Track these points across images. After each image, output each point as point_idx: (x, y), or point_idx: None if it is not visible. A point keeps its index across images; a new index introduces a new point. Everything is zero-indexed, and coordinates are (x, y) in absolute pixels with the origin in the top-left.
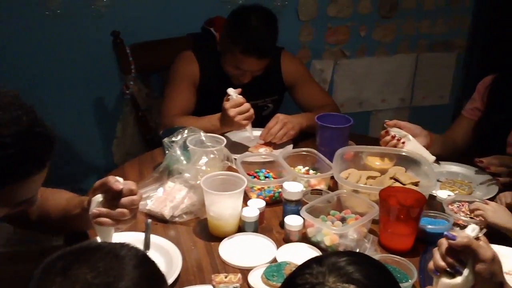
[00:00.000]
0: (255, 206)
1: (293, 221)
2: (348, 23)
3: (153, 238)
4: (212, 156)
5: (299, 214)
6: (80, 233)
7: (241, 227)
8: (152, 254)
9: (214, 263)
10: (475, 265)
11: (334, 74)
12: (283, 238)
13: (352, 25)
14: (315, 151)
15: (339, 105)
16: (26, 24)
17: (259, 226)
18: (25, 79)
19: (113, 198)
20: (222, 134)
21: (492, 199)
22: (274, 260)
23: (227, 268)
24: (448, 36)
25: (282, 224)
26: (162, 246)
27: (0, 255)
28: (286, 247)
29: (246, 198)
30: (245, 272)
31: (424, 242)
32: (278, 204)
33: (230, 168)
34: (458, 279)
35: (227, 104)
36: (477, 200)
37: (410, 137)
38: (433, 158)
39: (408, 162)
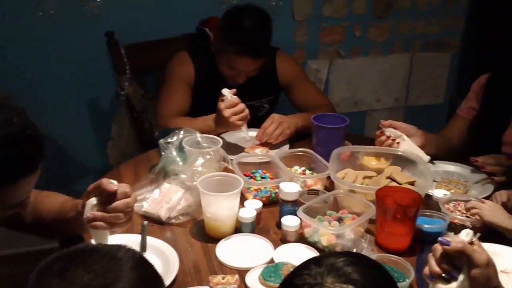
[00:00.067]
0: (252, 207)
1: (290, 222)
2: (343, 23)
3: (150, 240)
4: (208, 157)
5: (296, 215)
6: (75, 236)
7: (238, 228)
8: (148, 256)
9: (211, 264)
10: (470, 270)
11: (329, 74)
12: (280, 238)
13: (347, 25)
14: (312, 151)
15: (335, 105)
16: (19, 25)
17: (256, 226)
18: (18, 80)
19: (107, 201)
20: (218, 135)
21: (487, 198)
22: (271, 260)
23: (224, 269)
24: (443, 36)
25: (279, 225)
26: (158, 248)
27: None
28: (283, 247)
29: (242, 199)
30: (242, 273)
31: (421, 242)
32: (275, 204)
33: (226, 169)
34: (454, 285)
35: (222, 105)
36: (473, 199)
37: (405, 137)
38: (428, 158)
39: (404, 161)
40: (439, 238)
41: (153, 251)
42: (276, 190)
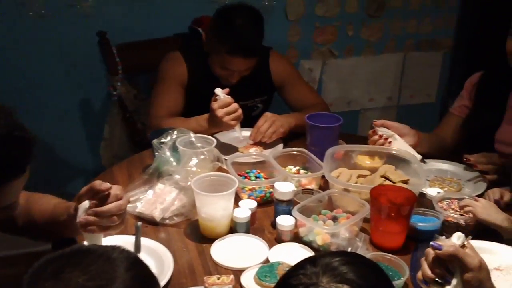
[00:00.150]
0: (247, 207)
1: (284, 221)
2: (335, 23)
3: (144, 241)
4: (202, 157)
5: (290, 214)
6: (68, 239)
7: (233, 228)
8: (143, 257)
9: (206, 264)
10: (463, 274)
11: (322, 74)
12: (275, 238)
13: (340, 25)
14: (306, 151)
15: (328, 105)
16: (9, 25)
17: (251, 226)
18: (8, 80)
19: (100, 203)
20: (212, 135)
21: (480, 195)
22: (267, 260)
23: (219, 269)
24: (435, 35)
25: (274, 224)
26: (153, 249)
27: None
28: (278, 247)
29: (237, 198)
30: (237, 273)
31: (415, 240)
32: (269, 204)
33: (220, 169)
34: None
35: (215, 105)
36: (467, 197)
37: (397, 136)
38: (419, 157)
39: (398, 160)
40: (431, 243)
41: (148, 252)
42: (271, 190)
